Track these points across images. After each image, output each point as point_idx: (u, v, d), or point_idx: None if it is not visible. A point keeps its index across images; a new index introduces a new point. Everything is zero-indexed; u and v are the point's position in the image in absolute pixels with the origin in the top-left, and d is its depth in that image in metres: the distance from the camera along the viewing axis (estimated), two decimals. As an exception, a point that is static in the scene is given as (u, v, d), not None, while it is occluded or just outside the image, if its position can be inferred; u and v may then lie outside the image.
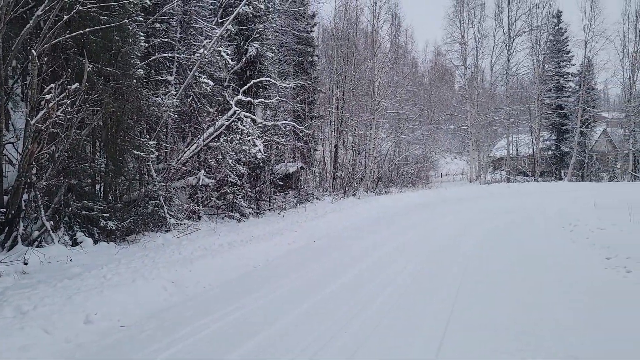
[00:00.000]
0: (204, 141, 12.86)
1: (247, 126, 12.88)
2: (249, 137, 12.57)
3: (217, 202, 14.43)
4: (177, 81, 13.53)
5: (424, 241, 11.13)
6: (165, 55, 13.16)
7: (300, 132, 16.71)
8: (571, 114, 38.00)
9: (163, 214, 11.35)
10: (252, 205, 15.31)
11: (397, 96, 29.04)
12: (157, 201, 11.31)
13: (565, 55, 38.72)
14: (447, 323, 5.34)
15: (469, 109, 35.55)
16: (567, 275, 7.43)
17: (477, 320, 5.46)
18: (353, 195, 23.15)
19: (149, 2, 10.83)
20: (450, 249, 10.03)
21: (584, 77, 36.52)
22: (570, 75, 39.15)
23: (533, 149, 37.23)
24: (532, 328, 5.14)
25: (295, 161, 23.39)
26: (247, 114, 13.84)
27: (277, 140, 16.64)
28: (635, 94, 37.81)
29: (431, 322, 5.42)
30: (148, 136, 11.39)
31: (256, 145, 12.88)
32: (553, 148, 39.04)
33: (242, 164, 13.53)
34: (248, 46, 15.29)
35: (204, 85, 12.78)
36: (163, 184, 11.56)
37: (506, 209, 17.91)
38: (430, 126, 35.12)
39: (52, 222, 8.67)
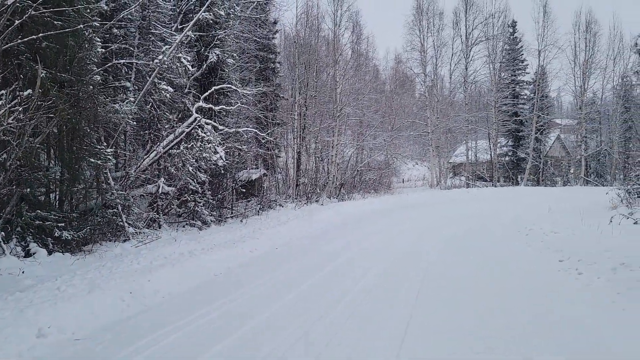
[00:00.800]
0: (163, 148, 12.68)
1: (208, 133, 12.76)
2: (210, 144, 12.46)
3: (178, 210, 14.24)
4: (136, 87, 13.31)
5: (387, 247, 11.22)
6: (124, 61, 12.94)
7: (262, 139, 16.63)
8: (527, 121, 39.14)
9: (121, 223, 11.11)
10: (214, 213, 15.17)
11: (359, 103, 29.34)
12: (115, 210, 11.06)
13: (520, 63, 39.87)
14: (407, 326, 5.42)
15: (429, 115, 36.20)
16: (526, 279, 7.63)
17: (441, 324, 5.56)
18: (316, 201, 23.21)
19: (105, 7, 10.63)
20: (413, 255, 10.13)
21: (538, 85, 37.70)
22: (525, 83, 40.33)
23: (491, 154, 38.15)
24: (497, 332, 5.26)
25: (258, 168, 23.30)
26: (208, 120, 13.72)
27: (239, 147, 16.54)
28: (586, 102, 39.32)
29: (393, 327, 5.48)
30: (105, 143, 11.14)
31: (217, 153, 12.77)
32: (510, 154, 40.09)
33: (202, 171, 13.39)
34: (209, 53, 15.18)
35: (163, 91, 12.61)
36: (121, 192, 11.32)
37: (466, 214, 18.27)
38: (392, 133, 35.56)
39: (3, 233, 8.38)
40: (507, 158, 40.15)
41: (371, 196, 27.67)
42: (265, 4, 24.41)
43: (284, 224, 14.67)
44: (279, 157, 27.97)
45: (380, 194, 29.33)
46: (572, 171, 40.56)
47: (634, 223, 12.21)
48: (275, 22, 27.39)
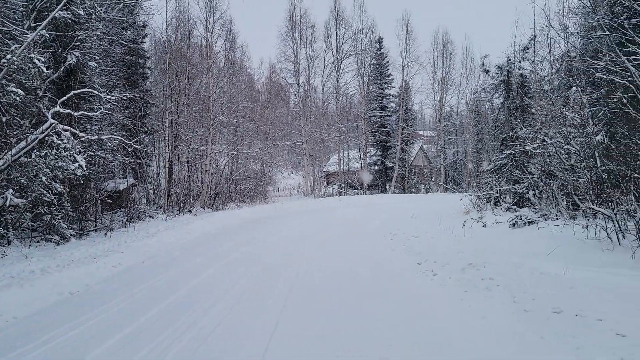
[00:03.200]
0: (13, 157, 11.50)
1: (66, 140, 11.82)
2: (67, 152, 11.54)
3: (32, 224, 12.99)
4: (-20, 89, 11.95)
5: (258, 257, 11.13)
6: (-36, 59, 11.56)
7: (129, 147, 15.79)
8: (393, 132, 41.57)
9: (-40, 241, 9.88)
10: (75, 226, 14.06)
11: (233, 112, 29.10)
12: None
13: (386, 77, 42.33)
14: (271, 336, 5.43)
15: (303, 125, 36.96)
16: (388, 282, 8.02)
17: (306, 328, 5.64)
18: (189, 212, 22.56)
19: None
20: (284, 265, 10.19)
21: (403, 98, 40.28)
22: (391, 97, 42.89)
23: (361, 163, 39.89)
24: (357, 334, 5.45)
25: (126, 178, 22.11)
26: (67, 127, 12.72)
27: (103, 155, 15.55)
28: (444, 115, 42.84)
29: (258, 336, 5.47)
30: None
31: (77, 161, 11.86)
32: (379, 163, 42.24)
33: (59, 181, 12.37)
34: (67, 54, 14.10)
35: (12, 94, 11.45)
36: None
37: (338, 222, 18.88)
38: (267, 142, 35.77)
39: None
40: (376, 167, 42.23)
41: (247, 205, 27.52)
42: (133, 6, 23.32)
43: (153, 236, 14.06)
44: (150, 166, 26.80)
45: (255, 203, 29.28)
46: (433, 179, 43.75)
47: (483, 226, 13.45)
48: (144, 26, 26.29)
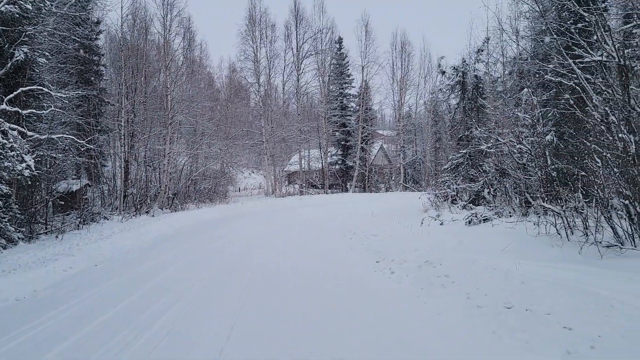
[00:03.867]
0: (-45, 157, 10.99)
1: (12, 139, 11.36)
2: (14, 152, 11.10)
3: (-23, 227, 12.44)
4: None
5: (215, 259, 10.95)
6: None
7: (82, 146, 15.31)
8: (353, 131, 41.81)
9: None
10: (23, 229, 13.54)
11: (192, 111, 28.67)
12: None
13: (347, 77, 42.54)
14: (227, 338, 5.36)
15: (264, 125, 36.75)
16: (347, 281, 8.01)
17: (262, 329, 5.58)
18: (147, 213, 22.10)
19: None
20: (243, 265, 10.08)
21: (363, 98, 40.58)
22: (351, 96, 43.12)
23: (322, 163, 39.97)
24: (314, 334, 5.43)
25: (79, 178, 21.48)
26: (14, 126, 12.23)
27: (54, 155, 15.04)
28: (403, 115, 43.39)
29: (212, 340, 5.38)
30: None
31: (25, 161, 11.42)
32: (339, 162, 42.42)
33: (5, 182, 11.88)
34: (15, 50, 13.56)
35: (-46, 91, 10.94)
36: None
37: (298, 221, 18.83)
38: (228, 141, 35.37)
39: None
40: (337, 166, 42.40)
41: (206, 206, 27.15)
42: (86, 1, 22.68)
43: (107, 238, 13.67)
44: (105, 166, 26.13)
45: (215, 204, 28.91)
46: (393, 178, 44.26)
47: (440, 224, 13.69)
48: (98, 22, 25.63)
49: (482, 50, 19.85)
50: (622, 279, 6.25)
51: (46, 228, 15.45)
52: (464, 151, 17.85)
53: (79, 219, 17.16)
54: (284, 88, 41.93)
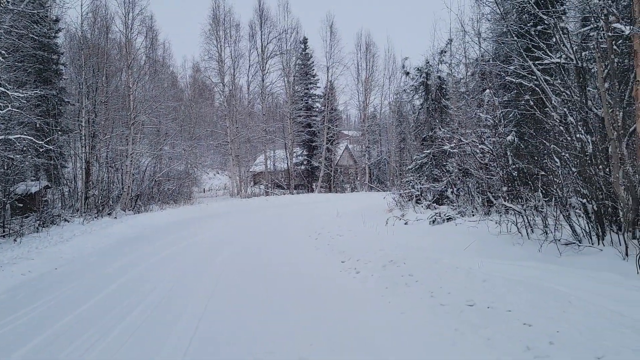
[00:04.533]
0: None
1: (-33, 141, 10.97)
2: (-31, 154, 10.72)
3: None
4: None
5: (178, 261, 10.77)
6: None
7: (40, 147, 14.89)
8: (319, 132, 41.89)
9: None
10: (-21, 233, 13.10)
11: (155, 111, 28.20)
12: None
13: (312, 78, 42.57)
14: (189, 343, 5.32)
15: (229, 125, 36.43)
16: (312, 282, 8.07)
17: (226, 331, 5.56)
18: (109, 215, 21.64)
19: None
20: (206, 267, 10.01)
21: (328, 98, 40.69)
22: (317, 97, 43.16)
23: (288, 163, 39.87)
24: (278, 336, 5.44)
25: (38, 180, 20.84)
26: (-31, 126, 11.82)
27: (11, 156, 14.57)
28: (368, 115, 43.75)
29: (174, 343, 5.33)
30: None
31: (-20, 163, 11.04)
32: (305, 163, 42.43)
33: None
34: (-31, 48, 13.09)
35: None
36: None
37: (264, 221, 18.80)
38: (192, 142, 35.04)
39: None
40: (302, 167, 42.39)
41: (170, 207, 26.77)
42: (44, -2, 22.04)
43: (68, 241, 13.34)
44: (65, 167, 25.43)
45: (180, 205, 28.53)
46: (358, 178, 44.58)
47: (405, 224, 13.87)
48: (57, 20, 24.95)
49: (445, 52, 20.22)
50: (580, 275, 6.47)
51: (3, 231, 14.97)
52: (428, 151, 18.14)
53: (38, 222, 16.68)
54: (248, 88, 41.69)
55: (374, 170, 46.26)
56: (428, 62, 19.89)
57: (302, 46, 41.77)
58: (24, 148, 15.80)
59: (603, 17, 8.10)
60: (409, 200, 17.98)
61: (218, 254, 11.27)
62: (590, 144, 8.15)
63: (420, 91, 20.13)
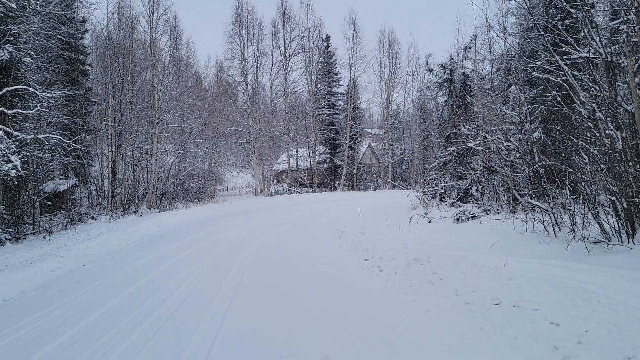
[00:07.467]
0: (-60, 158, 10.86)
1: (-2, 140, 11.24)
2: (0, 153, 10.98)
3: (-38, 228, 12.31)
4: None
5: (203, 258, 10.90)
6: None
7: (68, 146, 15.20)
8: (342, 130, 41.83)
9: None
10: (10, 230, 13.43)
11: (179, 110, 28.52)
12: None
13: (334, 76, 42.52)
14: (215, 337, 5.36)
15: (252, 124, 36.61)
16: (337, 279, 8.06)
17: (252, 325, 5.59)
18: (134, 213, 21.96)
19: None
20: (231, 263, 10.08)
21: (351, 96, 40.60)
22: (339, 95, 43.11)
23: (310, 162, 39.91)
24: (303, 332, 5.45)
25: (67, 178, 21.27)
26: (0, 126, 12.11)
27: (40, 155, 14.90)
28: (391, 113, 43.49)
29: (199, 340, 5.38)
30: None
31: (11, 161, 11.30)
32: (328, 161, 42.43)
33: (-9, 183, 11.77)
34: (-1, 49, 13.41)
35: (-62, 91, 10.80)
36: None
37: (287, 219, 18.83)
38: (215, 140, 35.28)
39: None
40: (325, 165, 42.40)
41: (194, 205, 27.00)
42: (71, 0, 22.47)
43: (95, 238, 13.57)
44: (92, 166, 25.91)
45: (204, 203, 28.78)
46: (381, 176, 44.40)
47: (429, 222, 13.75)
48: (83, 21, 25.35)
49: (469, 48, 19.98)
50: (608, 274, 6.33)
51: (33, 228, 15.31)
52: (452, 149, 17.95)
53: (66, 219, 17.02)
54: (271, 86, 41.86)
55: (397, 168, 45.99)
56: (452, 59, 19.67)
57: (325, 44, 41.75)
58: (53, 147, 16.15)
59: (634, 10, 7.90)
60: (433, 198, 17.83)
61: (241, 253, 11.33)
62: (620, 140, 7.96)
63: (444, 88, 19.93)
